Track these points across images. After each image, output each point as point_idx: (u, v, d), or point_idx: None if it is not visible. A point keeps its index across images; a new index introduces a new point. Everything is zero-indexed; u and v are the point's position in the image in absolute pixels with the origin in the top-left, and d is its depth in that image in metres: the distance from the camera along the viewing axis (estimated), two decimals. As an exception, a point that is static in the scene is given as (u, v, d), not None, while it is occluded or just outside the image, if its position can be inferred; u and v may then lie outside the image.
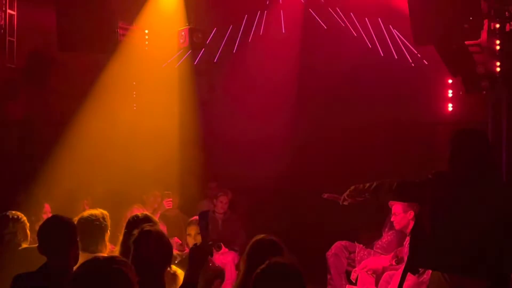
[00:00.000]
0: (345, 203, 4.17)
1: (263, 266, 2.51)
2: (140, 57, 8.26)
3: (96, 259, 2.37)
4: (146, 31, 8.30)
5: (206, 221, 2.89)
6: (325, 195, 4.48)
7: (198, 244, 2.82)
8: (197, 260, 2.74)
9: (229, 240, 6.94)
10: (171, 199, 6.77)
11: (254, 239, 3.33)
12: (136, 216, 4.00)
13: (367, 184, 3.95)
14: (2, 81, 7.17)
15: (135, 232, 3.27)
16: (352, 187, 4.08)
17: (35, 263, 3.45)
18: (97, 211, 4.25)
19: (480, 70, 6.44)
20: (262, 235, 3.36)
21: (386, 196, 4.14)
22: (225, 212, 7.25)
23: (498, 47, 6.27)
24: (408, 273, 3.92)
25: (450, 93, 8.19)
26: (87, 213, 4.25)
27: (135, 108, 8.67)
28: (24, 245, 4.48)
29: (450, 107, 8.19)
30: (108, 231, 4.22)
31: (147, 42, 8.28)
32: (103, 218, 4.22)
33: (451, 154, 3.71)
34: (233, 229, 7.12)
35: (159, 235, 3.21)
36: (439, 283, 3.61)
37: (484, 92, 6.76)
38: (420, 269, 3.96)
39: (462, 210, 3.53)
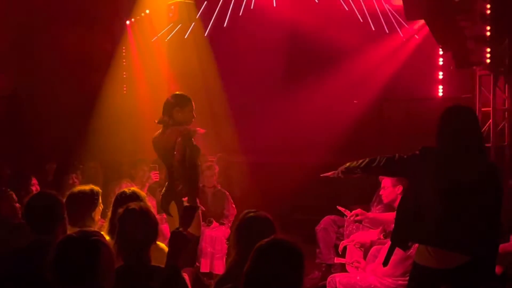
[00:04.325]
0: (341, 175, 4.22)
1: (268, 239, 2.55)
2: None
3: (70, 237, 2.40)
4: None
5: (192, 214, 2.92)
6: (322, 175, 4.47)
7: (179, 229, 2.84)
8: (178, 244, 2.78)
9: (218, 214, 6.96)
10: (157, 172, 6.74)
11: (246, 215, 3.29)
12: (124, 192, 4.01)
13: (360, 161, 3.99)
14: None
15: (120, 210, 3.28)
16: (347, 164, 4.11)
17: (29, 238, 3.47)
18: (87, 187, 4.24)
19: (470, 45, 6.43)
20: (253, 211, 3.34)
21: (376, 171, 4.19)
22: (214, 186, 7.23)
23: (488, 11, 6.22)
24: (396, 248, 3.97)
25: (440, 63, 8.16)
26: (77, 189, 4.24)
27: (125, 76, 8.64)
28: (17, 221, 4.48)
29: (440, 77, 8.18)
30: (99, 206, 4.23)
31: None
32: (93, 194, 4.22)
33: (439, 130, 3.74)
34: (223, 203, 7.13)
35: (144, 212, 3.22)
36: (424, 257, 3.66)
37: (474, 66, 6.77)
38: (409, 244, 4.00)
39: (447, 185, 3.57)
